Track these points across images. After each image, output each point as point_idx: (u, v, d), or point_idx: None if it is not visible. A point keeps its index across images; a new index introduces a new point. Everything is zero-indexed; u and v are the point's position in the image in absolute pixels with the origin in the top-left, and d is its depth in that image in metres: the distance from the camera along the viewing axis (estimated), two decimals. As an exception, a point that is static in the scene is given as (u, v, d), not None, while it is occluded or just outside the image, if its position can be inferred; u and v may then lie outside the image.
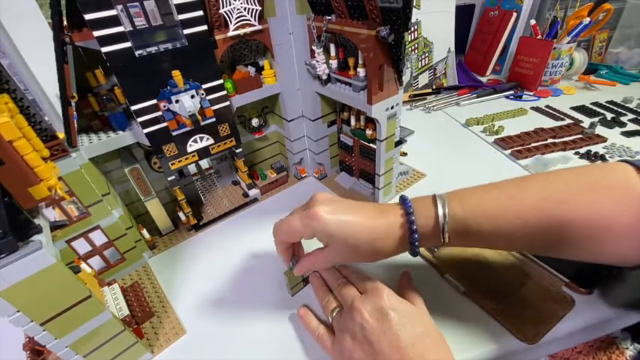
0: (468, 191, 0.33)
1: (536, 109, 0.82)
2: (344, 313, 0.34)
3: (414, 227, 0.32)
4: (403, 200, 0.34)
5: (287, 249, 0.40)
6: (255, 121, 0.58)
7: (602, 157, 0.61)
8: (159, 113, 0.42)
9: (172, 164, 0.47)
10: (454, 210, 0.32)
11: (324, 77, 0.49)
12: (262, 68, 0.52)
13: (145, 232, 0.49)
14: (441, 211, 0.32)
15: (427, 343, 0.30)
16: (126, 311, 0.38)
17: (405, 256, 0.47)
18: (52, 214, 0.39)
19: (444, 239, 0.32)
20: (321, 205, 0.34)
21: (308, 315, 0.39)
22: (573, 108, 0.81)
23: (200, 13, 0.40)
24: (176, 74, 0.41)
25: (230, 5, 0.42)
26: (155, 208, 0.51)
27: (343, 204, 0.35)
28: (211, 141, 0.48)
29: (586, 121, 0.74)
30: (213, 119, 0.46)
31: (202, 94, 0.44)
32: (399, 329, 0.30)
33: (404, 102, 0.92)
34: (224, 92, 0.46)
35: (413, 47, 0.90)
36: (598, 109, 0.79)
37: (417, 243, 0.33)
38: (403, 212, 0.33)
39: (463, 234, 0.32)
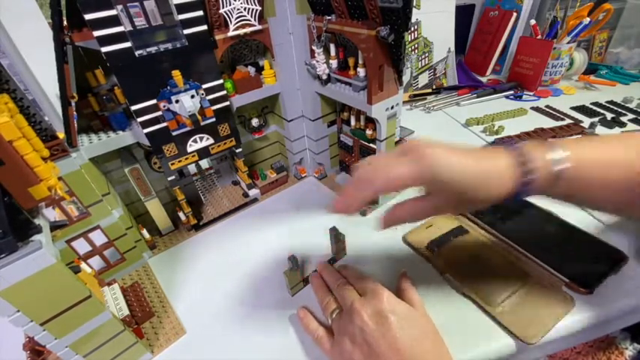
0: (583, 140, 0.31)
1: (536, 109, 0.82)
2: (344, 315, 0.34)
3: (530, 177, 0.28)
4: (512, 145, 0.31)
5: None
6: (255, 121, 0.58)
7: (602, 157, 0.61)
8: (159, 113, 0.42)
9: (172, 164, 0.47)
10: (570, 156, 0.29)
11: (324, 77, 0.49)
12: (262, 68, 0.52)
13: (145, 232, 0.50)
14: (558, 155, 0.29)
15: (426, 345, 0.30)
16: (126, 311, 0.38)
17: (404, 255, 0.47)
18: (52, 214, 0.39)
19: (555, 187, 0.29)
20: (432, 147, 0.29)
21: (307, 317, 0.39)
22: (573, 108, 0.81)
23: (200, 13, 0.40)
24: (176, 74, 0.41)
25: (230, 5, 0.42)
26: (155, 208, 0.51)
27: (448, 145, 0.30)
28: (211, 141, 0.48)
29: (586, 121, 0.74)
30: (213, 119, 0.46)
31: (202, 94, 0.44)
32: (397, 332, 0.30)
33: (404, 102, 0.92)
34: (224, 92, 0.46)
35: (413, 47, 0.90)
36: (598, 109, 0.79)
37: (527, 189, 0.29)
38: (515, 155, 0.29)
39: (571, 184, 0.29)
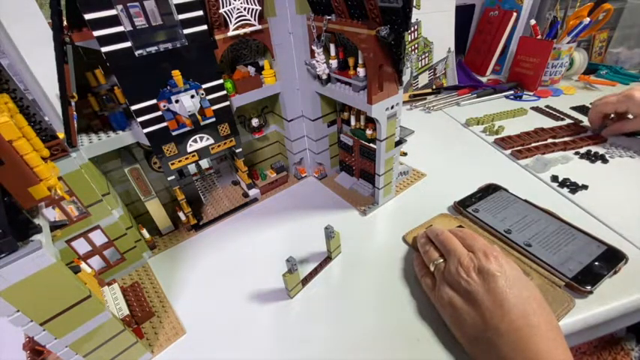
0: None
1: (536, 109, 0.82)
2: (447, 266, 0.36)
3: None
4: None
5: (601, 119, 0.65)
6: (255, 121, 0.58)
7: (602, 157, 0.61)
8: (159, 113, 0.42)
9: (172, 164, 0.47)
10: None
11: (324, 77, 0.49)
12: (262, 68, 0.53)
13: (144, 232, 0.50)
14: None
15: (532, 305, 0.31)
16: (126, 311, 0.38)
17: (404, 254, 0.47)
18: (52, 214, 0.39)
19: None
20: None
21: (418, 258, 0.42)
22: (573, 108, 0.81)
23: (200, 13, 0.40)
24: (176, 74, 0.41)
25: (230, 5, 0.42)
26: (155, 208, 0.51)
27: None
28: (211, 141, 0.48)
29: (586, 121, 0.74)
30: (213, 119, 0.46)
31: (202, 94, 0.44)
32: (504, 289, 0.32)
33: (404, 102, 0.92)
34: (224, 92, 0.46)
35: (413, 47, 0.90)
36: (598, 109, 0.79)
37: None
38: None
39: None
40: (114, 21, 0.35)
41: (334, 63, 0.48)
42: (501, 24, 0.99)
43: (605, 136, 0.67)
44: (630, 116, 0.63)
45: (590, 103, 0.70)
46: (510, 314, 0.30)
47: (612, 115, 0.66)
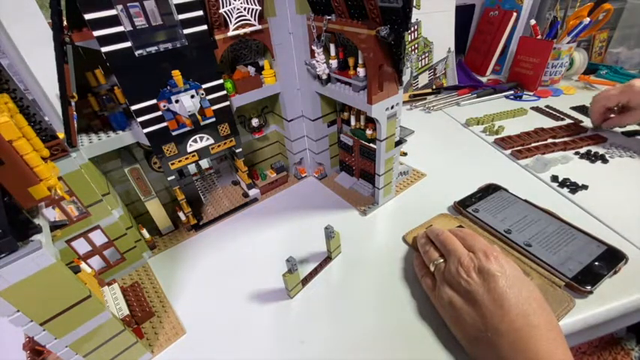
0: None
1: (536, 109, 0.82)
2: (447, 265, 0.37)
3: None
4: None
5: (603, 113, 0.66)
6: (255, 121, 0.58)
7: (602, 157, 0.61)
8: (159, 113, 0.42)
9: (172, 164, 0.47)
10: None
11: (324, 77, 0.49)
12: (262, 68, 0.53)
13: (144, 232, 0.49)
14: None
15: (533, 305, 0.31)
16: (126, 311, 0.38)
17: (404, 254, 0.47)
18: (52, 214, 0.39)
19: None
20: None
21: (419, 259, 0.42)
22: (573, 108, 0.81)
23: (200, 12, 0.40)
24: (176, 74, 0.41)
25: (230, 5, 0.42)
26: (155, 208, 0.51)
27: None
28: (211, 141, 0.48)
29: (586, 121, 0.74)
30: (213, 119, 0.46)
31: (202, 94, 0.44)
32: (504, 289, 0.32)
33: (404, 102, 0.92)
34: (224, 92, 0.46)
35: (413, 47, 0.90)
36: (598, 109, 0.79)
37: None
38: None
39: None
40: (114, 21, 0.35)
41: (334, 63, 0.48)
42: (501, 24, 0.99)
43: (606, 128, 0.67)
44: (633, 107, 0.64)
45: (590, 104, 0.70)
46: (510, 314, 0.30)
47: (615, 108, 0.66)
